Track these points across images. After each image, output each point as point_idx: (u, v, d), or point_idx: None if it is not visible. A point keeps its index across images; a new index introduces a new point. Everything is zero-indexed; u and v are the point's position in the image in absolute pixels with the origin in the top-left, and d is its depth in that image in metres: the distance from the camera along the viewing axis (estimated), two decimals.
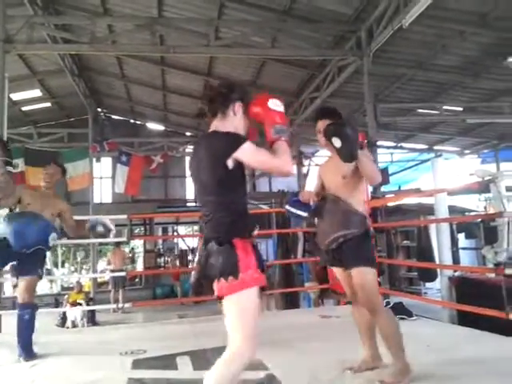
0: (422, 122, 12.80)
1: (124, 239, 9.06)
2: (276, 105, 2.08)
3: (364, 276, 2.69)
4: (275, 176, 11.24)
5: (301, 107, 11.29)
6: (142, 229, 16.79)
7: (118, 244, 12.45)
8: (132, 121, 16.66)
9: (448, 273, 6.34)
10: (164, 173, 16.47)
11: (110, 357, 3.50)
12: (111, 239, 4.64)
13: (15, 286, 4.24)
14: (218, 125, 2.16)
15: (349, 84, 9.75)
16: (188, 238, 16.60)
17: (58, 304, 11.80)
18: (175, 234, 17.32)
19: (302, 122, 11.36)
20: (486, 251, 5.55)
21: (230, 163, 2.01)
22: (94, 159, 14.03)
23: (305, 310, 7.46)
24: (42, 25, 8.21)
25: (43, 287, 15.10)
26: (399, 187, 12.96)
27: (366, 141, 3.04)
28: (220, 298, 1.97)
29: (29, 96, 12.83)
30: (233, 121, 2.16)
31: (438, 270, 7.06)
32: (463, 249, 9.80)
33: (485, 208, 10.44)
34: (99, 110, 15.43)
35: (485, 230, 8.71)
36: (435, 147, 15.34)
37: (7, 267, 4.03)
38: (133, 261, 15.43)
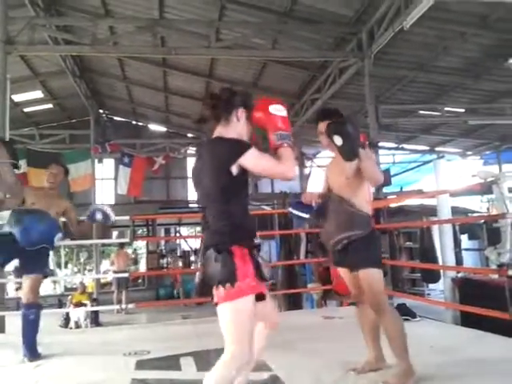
0: (423, 124, 12.80)
1: (127, 240, 9.05)
2: (278, 110, 2.07)
3: (371, 277, 2.69)
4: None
5: (302, 109, 11.30)
6: (145, 230, 16.80)
7: (121, 245, 12.47)
8: (134, 122, 16.69)
9: (451, 274, 6.33)
10: (166, 174, 16.48)
11: (114, 357, 3.50)
12: (114, 240, 4.64)
13: (18, 289, 4.25)
14: (221, 131, 2.15)
15: (350, 85, 9.77)
16: (190, 239, 16.61)
17: (61, 305, 11.83)
18: (177, 234, 17.34)
19: (303, 124, 11.37)
20: (489, 252, 5.54)
21: (234, 170, 2.01)
22: (96, 160, 14.05)
23: (308, 310, 7.46)
24: (44, 26, 8.24)
25: (46, 288, 15.11)
26: (401, 188, 12.96)
27: (367, 142, 3.03)
28: (217, 304, 1.99)
29: (30, 97, 12.87)
30: (236, 127, 2.15)
31: (441, 271, 7.05)
32: (466, 250, 9.78)
33: (487, 209, 10.44)
34: (101, 111, 15.45)
35: (488, 231, 8.69)
36: (437, 148, 15.35)
37: (10, 267, 4.02)
38: (136, 262, 15.43)
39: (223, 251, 1.96)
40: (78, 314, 9.34)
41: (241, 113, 2.16)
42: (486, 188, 6.43)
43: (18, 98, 12.25)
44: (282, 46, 8.68)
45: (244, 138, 2.16)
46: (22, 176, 11.73)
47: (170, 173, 16.77)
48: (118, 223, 15.53)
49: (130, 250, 14.47)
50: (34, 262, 3.62)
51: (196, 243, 15.36)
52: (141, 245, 18.02)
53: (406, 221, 9.11)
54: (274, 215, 9.97)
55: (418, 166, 13.33)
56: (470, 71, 9.06)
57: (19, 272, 3.70)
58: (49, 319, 7.07)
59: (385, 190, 8.83)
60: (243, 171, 2.04)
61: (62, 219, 3.98)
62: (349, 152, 2.63)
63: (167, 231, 17.63)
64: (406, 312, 4.36)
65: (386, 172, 9.76)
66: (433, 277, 7.79)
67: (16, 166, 3.73)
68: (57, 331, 7.70)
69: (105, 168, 15.86)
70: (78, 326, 9.25)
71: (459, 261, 8.11)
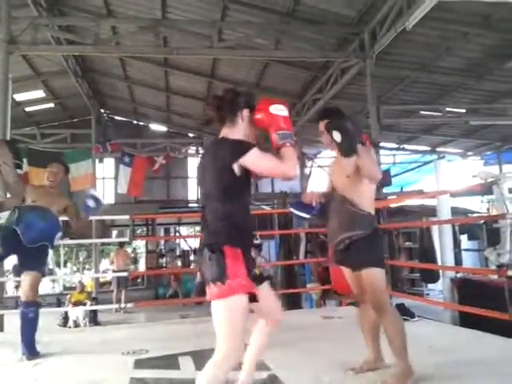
0: (424, 124, 12.79)
1: (126, 239, 9.05)
2: (279, 109, 2.07)
3: (373, 276, 2.68)
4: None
5: (303, 108, 11.31)
6: (145, 229, 16.82)
7: (121, 244, 12.49)
8: (135, 122, 16.69)
9: (450, 274, 6.34)
10: (166, 174, 16.49)
11: (112, 356, 3.50)
12: (114, 239, 4.63)
13: (17, 287, 4.24)
14: (226, 132, 2.18)
15: (352, 86, 9.77)
16: (190, 239, 16.62)
17: (60, 304, 11.83)
18: (177, 234, 17.34)
19: (304, 124, 11.37)
20: (489, 253, 5.54)
21: (236, 170, 2.02)
22: (97, 160, 14.06)
23: (307, 310, 7.45)
24: (46, 26, 8.25)
25: (45, 287, 15.12)
26: (401, 189, 12.97)
27: (369, 141, 3.04)
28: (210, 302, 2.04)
29: (32, 97, 12.89)
30: (241, 128, 2.17)
31: (441, 272, 7.06)
32: (466, 250, 9.79)
33: (487, 210, 10.44)
34: (102, 110, 15.47)
35: (487, 232, 8.69)
36: (438, 149, 15.35)
37: (9, 266, 4.03)
38: (135, 261, 15.45)
39: (216, 251, 1.99)
40: (76, 313, 9.36)
41: (245, 114, 2.18)
42: (486, 188, 6.43)
43: (19, 97, 12.26)
44: (284, 47, 8.68)
45: (249, 139, 2.17)
46: (24, 175, 11.76)
47: (171, 173, 16.78)
48: (118, 222, 15.74)
49: (129, 250, 14.48)
50: (34, 260, 3.62)
51: (195, 243, 15.40)
52: (140, 244, 18.04)
53: (405, 221, 9.12)
54: (273, 215, 9.97)
55: (419, 167, 13.34)
56: (472, 71, 9.05)
57: (18, 269, 3.70)
58: (47, 318, 7.09)
59: (385, 190, 8.84)
60: (246, 171, 2.05)
61: (62, 218, 3.98)
62: (347, 148, 2.64)
63: (167, 231, 17.66)
64: (404, 312, 4.35)
65: (387, 172, 9.77)
66: (432, 277, 7.79)
67: (19, 166, 3.73)
68: (55, 330, 7.71)
69: (105, 167, 15.89)
70: (76, 325, 9.27)
71: (458, 261, 8.11)
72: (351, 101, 10.79)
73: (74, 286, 12.80)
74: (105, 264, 17.22)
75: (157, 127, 17.06)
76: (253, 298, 2.08)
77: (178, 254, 15.90)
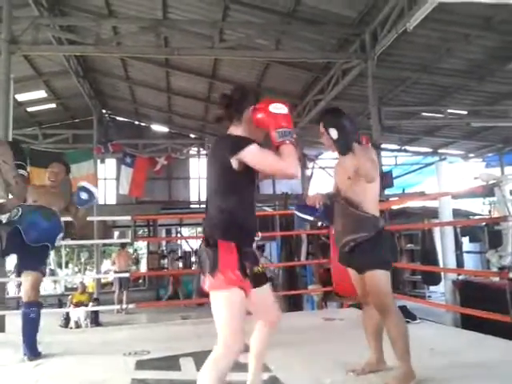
0: (426, 126, 12.77)
1: (128, 240, 9.04)
2: (278, 108, 2.07)
3: (377, 278, 2.67)
4: (279, 178, 11.28)
5: (305, 110, 11.30)
6: (146, 230, 16.84)
7: (123, 245, 12.50)
8: (136, 122, 16.72)
9: (452, 276, 6.32)
10: (168, 174, 16.51)
11: (114, 357, 3.50)
12: (115, 240, 4.63)
13: (19, 286, 4.23)
14: (233, 130, 2.21)
15: (353, 87, 9.76)
16: (191, 240, 16.63)
17: (61, 304, 11.86)
18: (179, 235, 17.36)
19: (305, 125, 11.37)
20: (491, 255, 5.52)
21: (234, 164, 2.04)
22: (99, 160, 14.07)
23: (308, 312, 7.45)
24: (48, 26, 8.26)
25: (47, 288, 15.14)
26: (403, 190, 12.96)
27: (370, 143, 3.05)
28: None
29: (34, 97, 12.91)
30: (249, 125, 2.18)
31: (442, 274, 7.05)
32: (467, 252, 9.77)
33: (489, 212, 10.42)
34: (104, 111, 15.50)
35: (489, 234, 8.69)
36: (439, 150, 15.34)
37: (11, 266, 4.02)
38: (137, 262, 15.47)
39: (211, 244, 2.05)
40: (78, 314, 9.36)
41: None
42: (488, 190, 6.41)
43: (21, 97, 12.27)
44: (285, 47, 8.68)
45: (255, 136, 2.17)
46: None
47: (172, 173, 16.80)
48: (120, 223, 15.75)
49: (130, 250, 14.50)
50: (35, 260, 3.62)
51: (197, 244, 15.39)
52: (142, 245, 18.05)
53: (407, 223, 9.11)
54: (275, 216, 9.97)
55: (421, 168, 13.32)
56: (474, 73, 9.04)
57: (18, 269, 3.70)
58: (49, 319, 7.08)
59: (387, 191, 8.83)
60: (248, 169, 2.06)
61: (63, 219, 3.97)
62: (343, 145, 2.65)
63: (168, 232, 17.66)
64: (406, 314, 4.33)
65: (389, 174, 9.75)
66: (434, 279, 7.79)
67: (23, 167, 3.73)
68: (57, 331, 7.72)
69: (107, 168, 15.90)
70: (78, 325, 9.27)
71: (460, 263, 8.09)
72: (352, 102, 10.78)
73: (75, 286, 12.79)
74: (106, 265, 17.24)
75: (158, 128, 17.07)
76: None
77: (178, 255, 15.88)
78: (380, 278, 2.68)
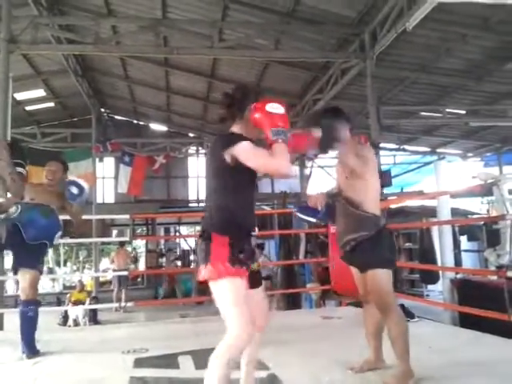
0: (424, 125, 12.79)
1: (126, 239, 9.05)
2: (274, 108, 2.09)
3: (378, 277, 2.67)
4: (272, 177, 11.30)
5: (304, 109, 11.31)
6: (145, 229, 16.83)
7: (122, 244, 12.50)
8: (135, 121, 16.69)
9: (450, 275, 6.35)
10: (166, 173, 16.50)
11: (112, 355, 3.50)
12: (114, 239, 4.62)
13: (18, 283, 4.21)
14: (234, 128, 2.25)
15: (352, 86, 9.76)
16: (190, 239, 16.63)
17: (59, 303, 11.86)
18: (177, 234, 17.35)
19: None
20: (489, 254, 5.54)
21: (228, 160, 2.09)
22: (97, 159, 14.06)
23: (306, 310, 7.46)
24: (47, 25, 8.26)
25: (45, 286, 15.14)
26: (402, 189, 12.98)
27: (368, 142, 3.05)
28: (201, 282, 2.16)
29: (33, 96, 12.89)
30: (248, 124, 2.20)
31: (440, 272, 7.07)
32: (465, 251, 9.80)
33: (487, 211, 10.44)
34: (102, 110, 15.47)
35: (487, 233, 8.70)
36: (438, 150, 15.36)
37: (9, 265, 4.01)
38: (135, 260, 15.48)
39: (205, 237, 2.13)
40: (76, 312, 9.36)
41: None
42: (486, 190, 6.44)
43: (20, 96, 12.26)
44: (284, 47, 8.68)
45: (253, 135, 2.20)
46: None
47: (171, 172, 16.79)
48: (118, 222, 15.74)
49: (129, 249, 14.50)
50: (33, 257, 3.62)
51: (195, 242, 15.39)
52: (140, 244, 18.06)
53: (406, 222, 9.13)
54: (273, 215, 9.98)
55: (419, 168, 13.37)
56: (472, 73, 9.05)
57: (14, 267, 3.69)
58: (47, 317, 7.09)
59: (385, 190, 8.83)
60: (245, 167, 2.08)
61: (62, 217, 3.97)
62: (323, 144, 2.69)
63: (167, 230, 17.67)
64: (404, 313, 4.35)
65: (387, 173, 9.76)
66: (432, 278, 7.81)
67: (22, 166, 3.73)
68: (55, 329, 7.71)
69: (105, 167, 15.90)
70: (76, 323, 9.28)
71: (458, 262, 8.12)
72: (351, 101, 10.78)
73: (73, 285, 12.81)
74: (105, 263, 17.25)
75: (157, 127, 17.05)
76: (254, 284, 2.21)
77: (176, 256, 15.87)
78: (382, 276, 2.68)
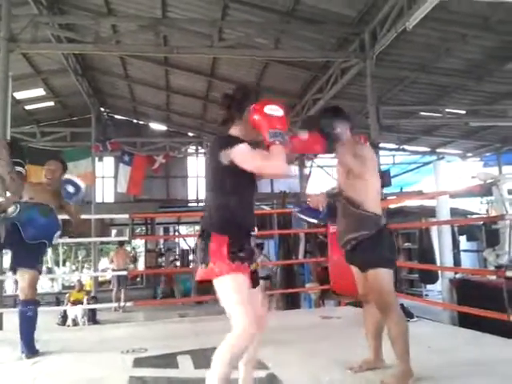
0: (424, 125, 12.78)
1: (126, 238, 9.03)
2: (273, 110, 2.10)
3: (379, 277, 2.67)
4: (268, 178, 11.32)
5: (303, 109, 11.31)
6: (144, 228, 16.82)
7: (121, 243, 12.49)
8: (135, 121, 16.68)
9: (449, 275, 6.35)
10: (166, 173, 16.49)
11: (111, 355, 3.49)
12: (113, 238, 4.62)
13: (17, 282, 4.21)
14: (233, 130, 2.26)
15: (352, 86, 9.76)
16: (189, 238, 16.62)
17: (58, 303, 11.84)
18: (176, 233, 17.35)
19: None
20: (488, 254, 5.56)
21: (225, 162, 2.10)
22: (97, 158, 14.06)
23: (306, 310, 7.46)
24: (47, 24, 8.25)
25: (44, 286, 15.13)
26: (401, 189, 12.99)
27: (368, 142, 3.05)
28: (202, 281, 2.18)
29: (32, 95, 12.87)
30: (247, 125, 2.20)
31: (439, 272, 7.07)
32: (464, 251, 9.80)
33: (487, 211, 10.45)
34: (102, 109, 15.46)
35: (486, 233, 8.70)
36: (437, 150, 15.36)
37: (7, 264, 4.00)
38: (135, 260, 15.49)
39: (204, 236, 2.16)
40: (75, 312, 9.36)
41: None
42: (485, 190, 6.44)
43: (19, 95, 12.25)
44: (284, 46, 8.67)
45: (251, 137, 2.20)
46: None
47: (170, 172, 16.78)
48: (117, 221, 15.74)
49: (128, 248, 14.51)
50: (32, 257, 3.61)
51: (194, 242, 15.37)
52: (139, 243, 18.05)
53: (405, 221, 9.13)
54: (273, 215, 9.98)
55: (418, 167, 13.37)
56: (472, 73, 9.05)
57: (13, 266, 3.68)
58: (46, 317, 7.09)
59: (385, 190, 8.83)
60: (244, 169, 2.10)
61: (61, 217, 3.96)
62: (329, 145, 2.70)
63: (166, 230, 17.65)
64: (404, 313, 4.35)
65: (387, 173, 9.76)
66: (431, 277, 7.81)
67: (21, 165, 3.73)
68: (54, 329, 7.71)
69: (105, 166, 15.90)
70: (75, 323, 9.28)
71: (457, 262, 8.13)
72: (351, 101, 10.78)
73: (72, 284, 12.80)
74: (104, 263, 17.24)
75: (156, 126, 17.04)
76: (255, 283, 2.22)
77: (175, 256, 15.84)
78: (383, 276, 2.68)
